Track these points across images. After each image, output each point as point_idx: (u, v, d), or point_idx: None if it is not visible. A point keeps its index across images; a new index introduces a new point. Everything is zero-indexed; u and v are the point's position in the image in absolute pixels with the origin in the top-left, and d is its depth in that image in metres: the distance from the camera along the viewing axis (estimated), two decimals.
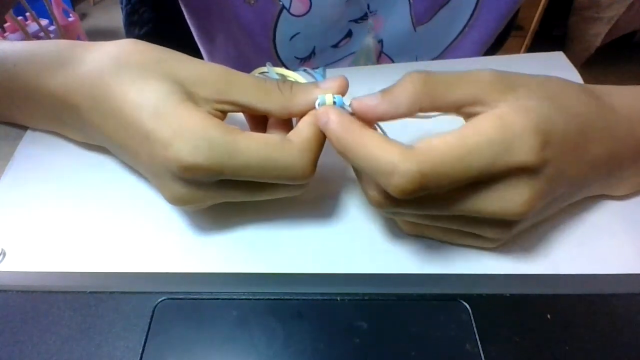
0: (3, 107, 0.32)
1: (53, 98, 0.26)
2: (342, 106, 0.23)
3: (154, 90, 0.22)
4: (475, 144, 0.19)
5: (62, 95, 0.26)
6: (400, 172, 0.19)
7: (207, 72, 0.23)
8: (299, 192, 0.24)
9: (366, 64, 0.46)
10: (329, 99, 0.23)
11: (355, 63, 0.46)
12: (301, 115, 0.24)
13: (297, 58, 0.46)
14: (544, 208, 0.22)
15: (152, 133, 0.21)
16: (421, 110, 0.21)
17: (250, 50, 0.46)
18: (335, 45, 0.45)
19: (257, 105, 0.23)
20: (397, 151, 0.19)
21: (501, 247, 0.25)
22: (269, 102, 0.23)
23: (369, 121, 0.22)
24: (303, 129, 0.23)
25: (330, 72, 0.37)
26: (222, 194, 0.23)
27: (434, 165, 0.19)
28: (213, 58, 0.50)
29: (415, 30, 0.44)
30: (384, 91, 0.22)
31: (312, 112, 0.23)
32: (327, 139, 0.22)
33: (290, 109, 0.23)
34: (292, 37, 0.43)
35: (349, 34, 0.44)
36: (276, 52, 0.45)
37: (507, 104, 0.20)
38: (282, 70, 0.34)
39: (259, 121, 0.26)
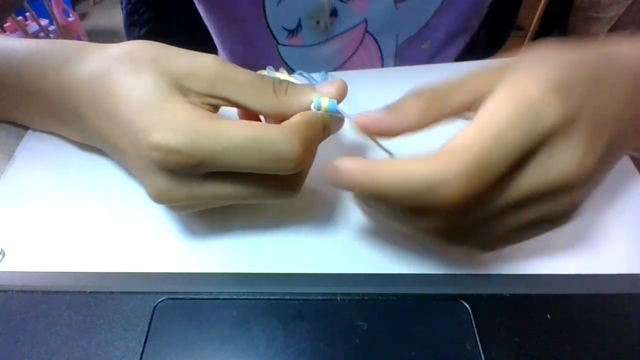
0: (6, 106, 0.32)
1: (54, 96, 0.26)
2: (336, 111, 0.22)
3: (143, 85, 0.22)
4: (499, 124, 0.18)
5: (63, 93, 0.26)
6: (448, 179, 0.17)
7: (200, 66, 0.23)
8: (291, 194, 0.23)
9: (320, 26, 0.45)
10: (325, 102, 0.22)
11: (308, 20, 0.45)
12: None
13: (285, 29, 0.45)
14: (604, 158, 0.20)
15: (137, 124, 0.21)
16: (426, 125, 0.21)
17: (244, 23, 0.45)
18: (319, 23, 0.45)
19: (249, 104, 0.23)
20: (431, 162, 0.18)
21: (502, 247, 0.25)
22: (262, 101, 0.23)
23: (377, 133, 0.22)
24: (293, 118, 0.22)
25: (331, 75, 0.37)
26: (205, 192, 0.22)
27: (476, 159, 0.18)
28: (221, 35, 0.50)
29: (396, 8, 0.44)
30: (389, 106, 0.21)
31: (307, 112, 0.22)
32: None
33: (282, 110, 0.23)
34: (279, 1, 0.43)
35: (334, 13, 0.44)
36: (266, 19, 0.44)
37: (510, 78, 0.20)
38: (284, 75, 0.34)
39: (255, 117, 0.26)
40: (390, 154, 0.24)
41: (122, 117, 0.22)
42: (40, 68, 0.27)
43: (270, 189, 0.22)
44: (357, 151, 0.30)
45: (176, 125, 0.20)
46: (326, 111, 0.22)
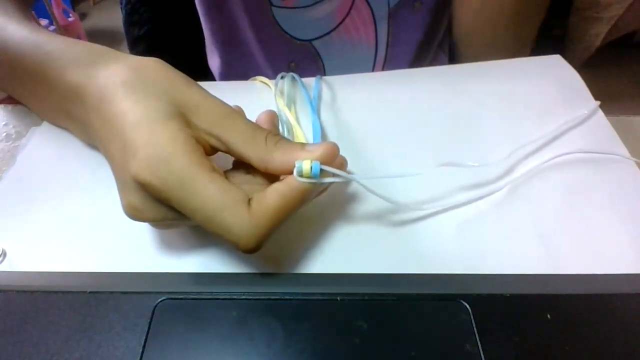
0: (28, 94, 0.33)
1: (69, 90, 0.27)
2: (316, 176, 0.22)
3: (147, 105, 0.22)
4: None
5: (77, 89, 0.26)
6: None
7: (208, 103, 0.24)
8: (249, 252, 0.22)
9: None
10: (307, 165, 0.22)
11: None
12: (278, 172, 0.23)
13: None
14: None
15: (128, 141, 0.22)
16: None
17: None
18: None
19: (241, 149, 0.23)
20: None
21: (501, 247, 0.25)
22: (253, 149, 0.23)
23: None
24: (270, 197, 0.22)
25: (327, 79, 0.37)
26: (173, 216, 0.22)
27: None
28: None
29: None
30: None
31: (288, 181, 0.22)
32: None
33: (267, 162, 0.23)
34: None
35: None
36: None
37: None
38: (291, 116, 0.32)
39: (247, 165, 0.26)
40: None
41: (117, 127, 0.23)
42: (62, 65, 0.27)
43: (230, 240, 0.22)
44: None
45: (158, 157, 0.21)
46: (308, 176, 0.22)
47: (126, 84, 0.24)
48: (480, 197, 0.27)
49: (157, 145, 0.21)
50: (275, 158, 0.23)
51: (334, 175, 0.23)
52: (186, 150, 0.21)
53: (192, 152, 0.21)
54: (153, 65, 0.25)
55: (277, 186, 0.22)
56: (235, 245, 0.21)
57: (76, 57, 0.27)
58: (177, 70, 0.25)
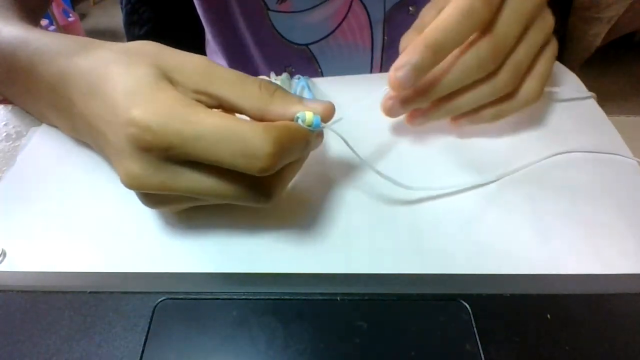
0: (20, 91, 0.33)
1: (54, 80, 0.27)
2: (318, 127, 0.23)
3: (135, 73, 0.22)
4: None
5: (61, 77, 0.26)
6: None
7: (190, 62, 0.23)
8: (265, 200, 0.23)
9: None
10: (309, 116, 0.22)
11: None
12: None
13: None
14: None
15: (120, 103, 0.21)
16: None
17: None
18: None
19: (233, 99, 0.23)
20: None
21: (501, 247, 0.25)
22: (246, 98, 0.23)
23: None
24: (275, 123, 0.22)
25: (312, 82, 0.37)
26: (178, 182, 0.22)
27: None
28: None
29: None
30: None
31: (287, 121, 0.22)
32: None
33: (265, 111, 0.23)
34: None
35: None
36: None
37: None
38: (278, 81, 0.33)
39: None
40: (364, 162, 0.25)
41: (107, 97, 0.22)
42: (49, 58, 0.27)
43: (244, 190, 0.22)
44: (341, 164, 0.30)
45: (155, 106, 0.21)
46: (309, 126, 0.23)
47: (112, 63, 0.24)
48: (475, 187, 0.28)
49: (153, 100, 0.21)
50: (273, 109, 0.23)
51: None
52: (182, 100, 0.21)
53: (188, 101, 0.21)
54: (135, 45, 0.25)
55: (281, 121, 0.22)
56: (252, 161, 0.20)
57: (60, 48, 0.27)
58: (154, 43, 0.25)
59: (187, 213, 0.27)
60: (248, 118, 0.24)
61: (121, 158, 0.22)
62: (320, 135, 0.25)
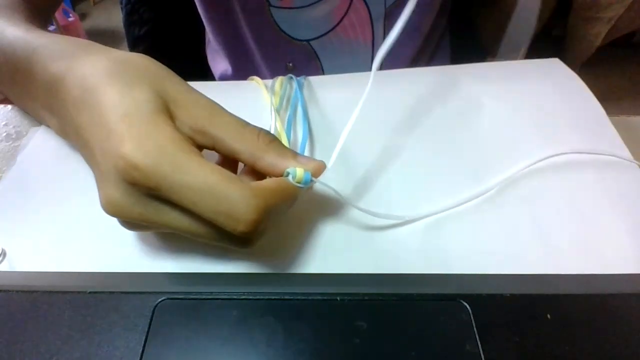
0: (21, 92, 0.33)
1: (49, 82, 0.27)
2: (308, 184, 0.23)
3: (135, 97, 0.22)
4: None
5: (56, 80, 0.26)
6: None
7: (193, 99, 0.23)
8: (243, 246, 0.22)
9: None
10: (300, 173, 0.22)
11: None
12: (266, 172, 0.23)
13: None
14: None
15: (115, 129, 0.21)
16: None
17: None
18: None
19: (229, 143, 0.23)
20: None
21: (501, 247, 0.25)
22: (243, 143, 0.23)
23: None
24: (266, 181, 0.22)
25: (323, 78, 0.37)
26: (158, 217, 0.22)
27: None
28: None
29: None
30: None
31: (280, 179, 0.23)
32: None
33: (258, 159, 0.23)
34: None
35: None
36: None
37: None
38: (278, 122, 0.32)
39: (232, 167, 0.26)
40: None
41: (102, 117, 0.22)
42: (47, 59, 0.27)
43: (223, 236, 0.22)
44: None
45: (148, 144, 0.20)
46: (299, 182, 0.23)
47: (109, 74, 0.23)
48: (477, 196, 0.27)
49: (148, 134, 0.20)
50: (267, 157, 0.23)
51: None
52: (176, 137, 0.21)
53: (182, 144, 0.21)
54: (135, 59, 0.24)
55: (271, 178, 0.23)
56: (232, 219, 0.20)
57: (59, 50, 0.27)
58: (160, 64, 0.25)
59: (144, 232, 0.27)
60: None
61: (105, 181, 0.22)
62: (309, 189, 0.25)
